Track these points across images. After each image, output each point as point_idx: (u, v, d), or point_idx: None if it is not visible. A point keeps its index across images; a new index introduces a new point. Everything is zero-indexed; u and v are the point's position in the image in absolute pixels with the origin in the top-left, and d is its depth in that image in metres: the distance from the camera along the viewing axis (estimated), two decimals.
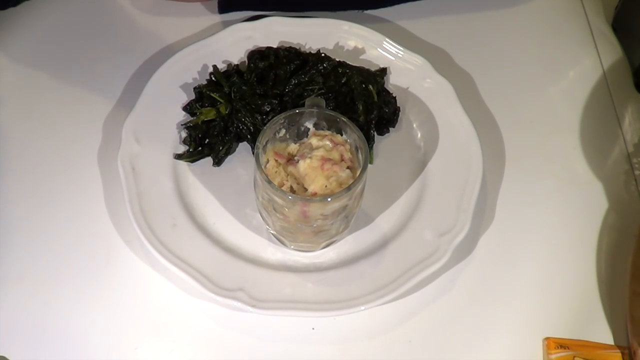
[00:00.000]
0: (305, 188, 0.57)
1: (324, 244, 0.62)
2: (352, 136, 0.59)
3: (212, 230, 0.63)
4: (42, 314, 0.59)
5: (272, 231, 0.62)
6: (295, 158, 0.58)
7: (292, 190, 0.58)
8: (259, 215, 0.62)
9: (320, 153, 0.58)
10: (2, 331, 0.58)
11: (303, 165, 0.57)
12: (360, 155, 0.58)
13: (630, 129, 0.73)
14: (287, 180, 0.58)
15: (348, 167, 0.58)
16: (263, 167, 0.58)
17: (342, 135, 0.60)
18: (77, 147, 0.68)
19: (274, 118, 0.59)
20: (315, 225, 0.57)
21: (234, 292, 0.58)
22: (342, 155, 0.58)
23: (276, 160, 0.59)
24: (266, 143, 0.58)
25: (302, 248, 0.62)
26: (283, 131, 0.60)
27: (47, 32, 0.77)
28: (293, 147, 0.59)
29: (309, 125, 0.61)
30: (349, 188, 0.55)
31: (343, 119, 0.59)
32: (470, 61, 0.77)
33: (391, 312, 0.60)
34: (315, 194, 0.56)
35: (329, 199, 0.55)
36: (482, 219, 0.65)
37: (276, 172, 0.58)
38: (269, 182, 0.55)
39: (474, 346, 0.59)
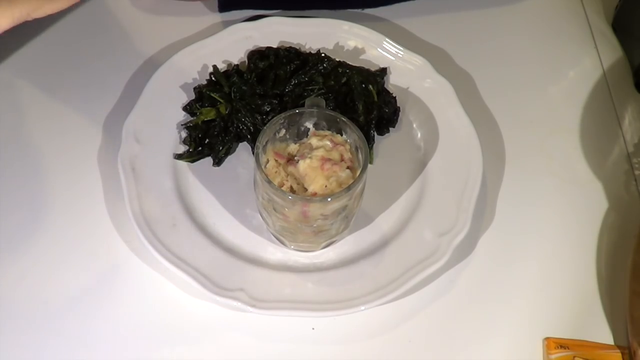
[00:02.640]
0: (305, 188, 0.57)
1: (324, 244, 0.62)
2: (352, 136, 0.59)
3: (212, 230, 0.63)
4: (42, 314, 0.59)
5: (272, 231, 0.62)
6: (295, 158, 0.58)
7: (292, 190, 0.58)
8: (259, 215, 0.62)
9: (320, 153, 0.58)
10: (2, 331, 0.58)
11: (303, 165, 0.57)
12: (360, 155, 0.58)
13: (630, 129, 0.73)
14: (287, 180, 0.58)
15: (348, 167, 0.58)
16: (263, 167, 0.58)
17: (342, 135, 0.60)
18: (77, 147, 0.68)
19: (274, 118, 0.59)
20: (315, 226, 0.57)
21: (234, 292, 0.58)
22: (342, 155, 0.58)
23: (276, 161, 0.59)
24: (266, 143, 0.58)
25: (302, 248, 0.62)
26: (283, 131, 0.60)
27: (46, 31, 0.77)
28: (293, 147, 0.59)
29: (309, 125, 0.61)
30: (348, 188, 0.55)
31: (343, 119, 0.59)
32: (470, 61, 0.77)
33: (391, 312, 0.60)
34: (315, 194, 0.56)
35: (329, 199, 0.55)
36: (482, 219, 0.65)
37: (276, 172, 0.58)
38: (269, 182, 0.55)
39: (474, 346, 0.59)
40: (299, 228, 0.58)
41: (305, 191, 0.57)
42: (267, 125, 0.58)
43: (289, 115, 0.59)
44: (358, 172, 0.57)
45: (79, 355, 0.57)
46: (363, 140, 0.58)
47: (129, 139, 0.65)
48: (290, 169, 0.58)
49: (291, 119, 0.59)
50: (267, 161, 0.59)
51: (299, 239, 0.60)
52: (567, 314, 0.61)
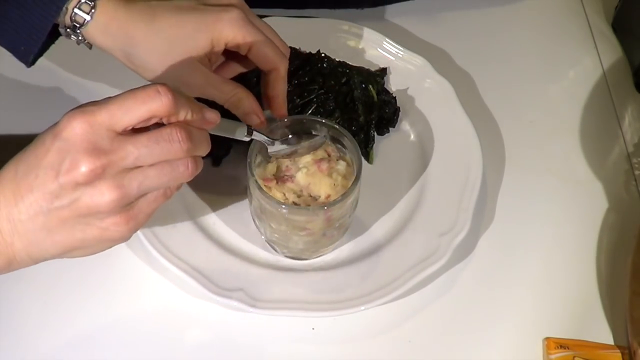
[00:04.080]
0: (310, 195, 0.57)
1: (324, 250, 0.62)
2: (322, 130, 0.59)
3: (212, 230, 0.63)
4: (42, 314, 0.59)
5: (287, 255, 0.61)
6: (286, 175, 0.58)
7: (295, 205, 0.57)
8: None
9: (308, 158, 0.58)
10: (1, 331, 0.58)
11: (302, 177, 0.57)
12: (345, 143, 0.59)
13: (630, 129, 0.73)
14: (287, 198, 0.57)
15: (338, 159, 0.59)
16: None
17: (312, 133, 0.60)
18: None
19: (249, 150, 0.58)
20: (337, 225, 0.58)
21: (234, 292, 0.58)
22: (326, 151, 0.59)
23: (266, 186, 0.58)
24: (254, 174, 0.57)
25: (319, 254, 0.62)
26: (259, 158, 0.59)
27: None
28: (271, 166, 0.59)
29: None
30: (356, 178, 0.56)
31: (305, 119, 0.60)
32: (470, 61, 0.77)
33: (391, 312, 0.60)
34: (329, 196, 0.57)
35: (344, 197, 0.55)
36: (482, 219, 0.65)
37: (271, 194, 0.57)
38: (296, 204, 0.56)
39: (474, 346, 0.59)
40: (318, 240, 0.58)
41: (309, 197, 0.57)
42: (248, 159, 0.57)
43: (257, 143, 0.58)
44: (348, 159, 0.58)
45: (78, 354, 0.57)
46: (340, 130, 0.58)
47: None
48: (289, 185, 0.57)
49: (261, 146, 0.58)
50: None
51: (318, 246, 0.60)
52: (567, 314, 0.61)
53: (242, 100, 0.58)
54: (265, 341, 0.59)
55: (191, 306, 0.60)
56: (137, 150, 0.45)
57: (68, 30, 0.57)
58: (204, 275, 0.59)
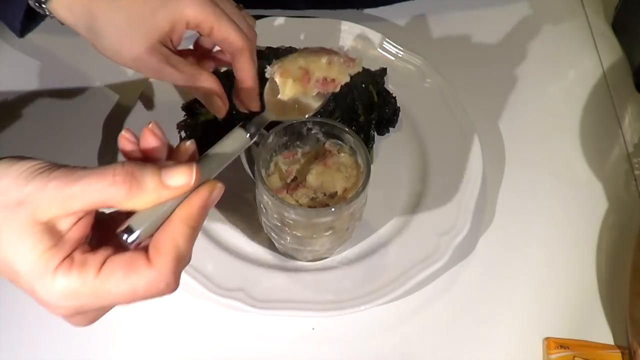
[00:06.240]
0: (324, 194, 0.57)
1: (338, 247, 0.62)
2: (314, 130, 0.59)
3: (212, 230, 0.63)
4: (42, 314, 0.59)
5: (310, 259, 0.61)
6: (295, 182, 0.58)
7: (310, 206, 0.57)
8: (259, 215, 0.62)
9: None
10: (2, 330, 0.58)
11: (313, 179, 0.57)
12: (340, 137, 0.58)
13: (630, 129, 0.73)
14: (300, 204, 0.57)
15: (339, 151, 0.59)
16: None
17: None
18: (77, 148, 0.68)
19: (255, 167, 0.56)
20: (357, 216, 0.58)
21: (234, 292, 0.58)
22: (319, 152, 0.59)
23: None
24: (269, 189, 0.55)
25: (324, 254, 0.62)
26: (263, 172, 0.57)
27: (47, 31, 0.77)
28: (274, 178, 0.59)
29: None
30: (367, 166, 0.55)
31: (295, 123, 0.58)
32: (470, 61, 0.77)
33: (391, 311, 0.60)
34: (345, 189, 0.57)
35: (362, 189, 0.55)
36: (482, 219, 0.65)
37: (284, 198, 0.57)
38: (311, 207, 0.55)
39: (474, 346, 0.59)
40: (342, 234, 0.58)
41: (324, 196, 0.57)
42: (257, 175, 0.55)
43: (260, 160, 0.56)
44: (347, 148, 0.58)
45: (79, 354, 0.57)
46: (332, 124, 0.58)
47: None
48: (301, 190, 0.57)
49: (264, 160, 0.57)
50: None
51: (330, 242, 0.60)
52: (567, 314, 0.61)
53: (202, 81, 0.56)
54: (265, 341, 0.59)
55: (191, 306, 0.60)
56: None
57: (36, 4, 0.57)
58: (204, 275, 0.59)
